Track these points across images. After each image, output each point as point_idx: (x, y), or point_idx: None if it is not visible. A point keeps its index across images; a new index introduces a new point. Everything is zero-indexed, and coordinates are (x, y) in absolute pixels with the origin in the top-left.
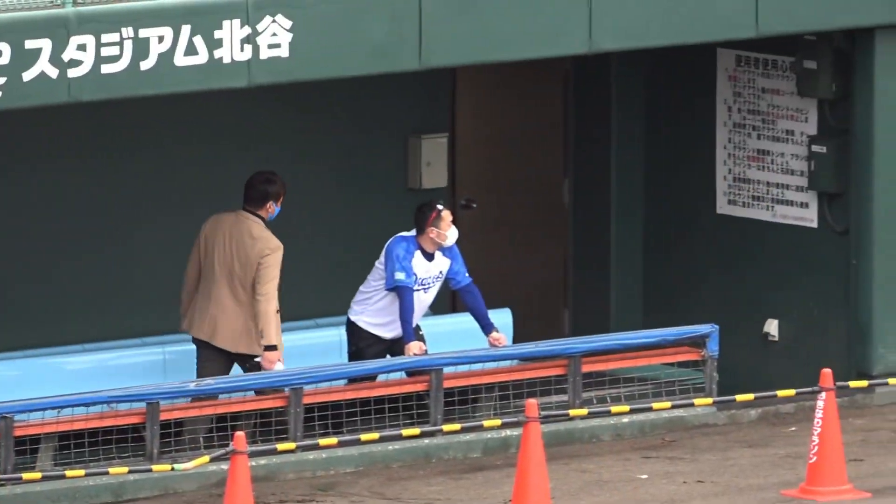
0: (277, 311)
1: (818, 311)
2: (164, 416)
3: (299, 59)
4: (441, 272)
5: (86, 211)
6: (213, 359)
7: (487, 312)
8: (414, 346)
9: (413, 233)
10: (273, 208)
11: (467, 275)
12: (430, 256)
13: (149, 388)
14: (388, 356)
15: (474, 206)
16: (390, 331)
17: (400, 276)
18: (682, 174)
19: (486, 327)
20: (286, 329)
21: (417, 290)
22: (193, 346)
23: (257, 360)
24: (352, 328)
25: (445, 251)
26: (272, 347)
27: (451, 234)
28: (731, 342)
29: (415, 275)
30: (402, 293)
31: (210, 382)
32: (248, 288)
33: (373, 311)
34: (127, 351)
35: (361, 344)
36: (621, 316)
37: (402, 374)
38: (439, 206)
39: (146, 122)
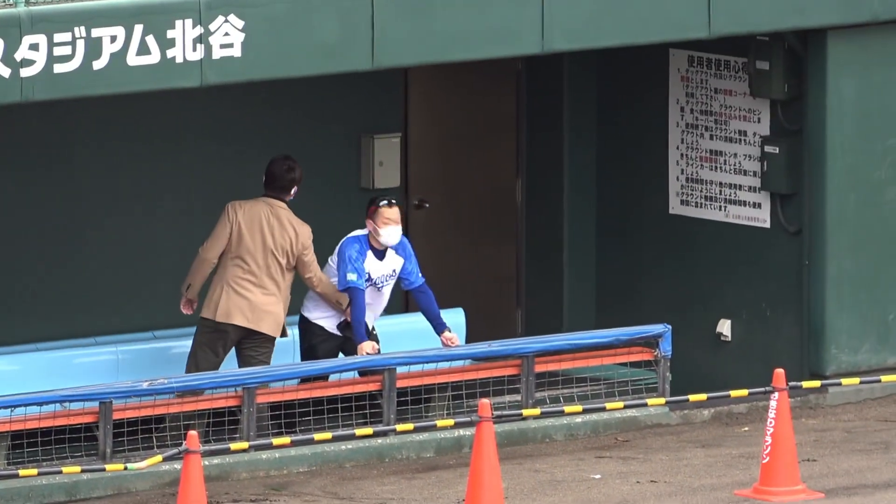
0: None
1: (771, 312)
2: (116, 416)
3: (252, 58)
4: (394, 270)
5: (41, 210)
6: (229, 347)
7: (440, 313)
8: (367, 346)
9: (365, 231)
10: (293, 194)
11: (420, 275)
12: (380, 255)
13: (101, 388)
14: (340, 354)
15: (427, 205)
16: (335, 318)
17: (351, 276)
18: (635, 174)
19: (439, 327)
20: None
21: (371, 287)
22: (145, 346)
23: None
24: (305, 325)
25: (398, 250)
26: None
27: (385, 232)
28: (684, 342)
29: (367, 274)
30: (354, 294)
31: (164, 382)
32: (286, 275)
33: (325, 307)
34: (80, 350)
35: (314, 340)
36: (574, 316)
37: (354, 374)
38: (381, 202)
39: (99, 121)
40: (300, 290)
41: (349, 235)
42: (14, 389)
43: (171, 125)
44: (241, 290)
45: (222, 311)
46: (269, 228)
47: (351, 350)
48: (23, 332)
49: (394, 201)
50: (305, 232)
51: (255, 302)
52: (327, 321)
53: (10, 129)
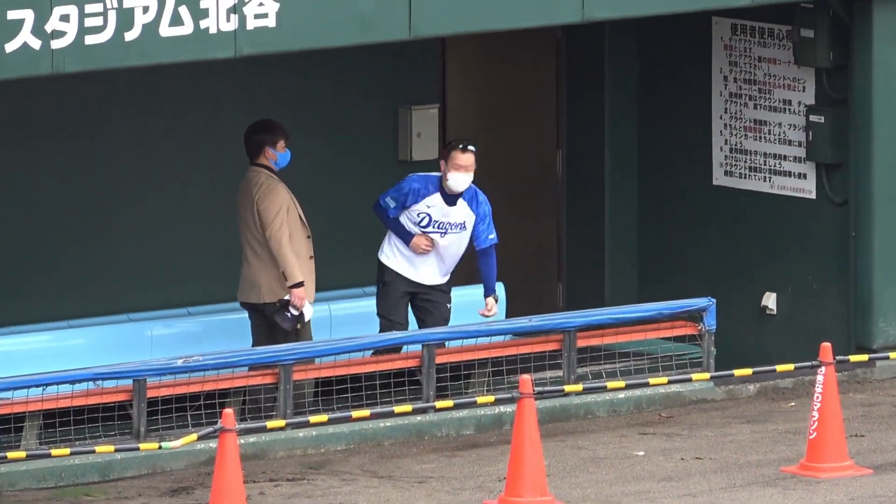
0: (311, 258)
1: (817, 284)
2: (151, 394)
3: (286, 29)
4: (464, 223)
5: (68, 186)
6: (259, 322)
7: (494, 280)
8: (420, 240)
9: (439, 173)
10: (273, 154)
11: (491, 238)
12: (451, 200)
13: (135, 365)
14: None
15: None
16: (414, 268)
17: (390, 202)
18: (678, 145)
19: (487, 290)
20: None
21: (433, 231)
22: (181, 323)
23: (286, 298)
24: (378, 267)
25: (472, 205)
26: (297, 285)
27: (453, 178)
28: (729, 316)
29: (427, 216)
30: (382, 215)
31: (199, 359)
32: (263, 239)
33: (402, 255)
34: (113, 327)
35: (387, 278)
36: (616, 289)
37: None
38: (458, 145)
39: (132, 94)
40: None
41: (420, 172)
42: (47, 367)
43: (204, 98)
44: (242, 267)
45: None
46: (242, 199)
47: (422, 303)
48: (56, 309)
49: (470, 147)
50: (261, 186)
51: (244, 274)
52: (401, 267)
53: (41, 102)
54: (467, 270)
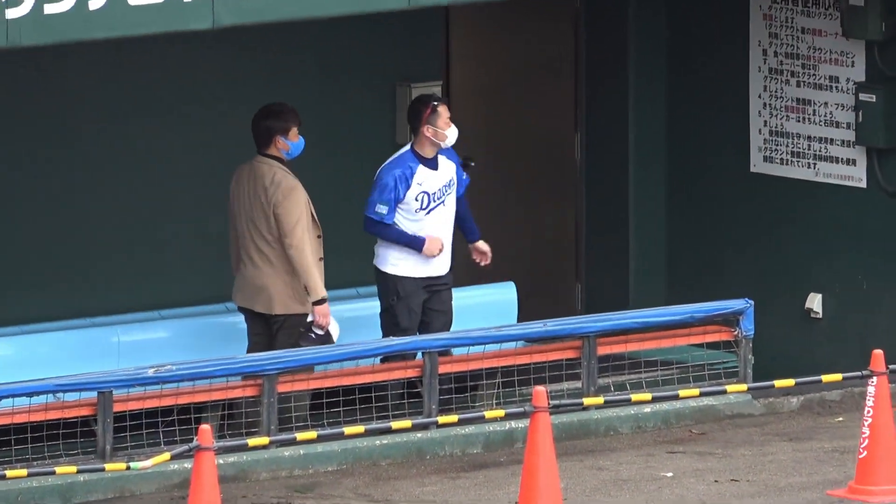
0: (320, 260)
1: (868, 284)
2: (117, 408)
3: None
4: (451, 180)
5: (21, 176)
6: (259, 331)
7: (469, 222)
8: (433, 242)
9: (405, 148)
10: (285, 144)
11: (465, 177)
12: (433, 164)
13: (100, 376)
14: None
15: (472, 164)
16: (424, 266)
17: (381, 209)
18: (711, 128)
19: (475, 234)
20: None
21: (436, 205)
22: (150, 328)
23: (309, 319)
24: (381, 278)
25: (447, 154)
26: (321, 301)
27: (450, 133)
28: (769, 320)
29: (424, 194)
30: (376, 226)
31: (171, 369)
32: (276, 243)
33: (404, 250)
34: (75, 333)
35: (401, 291)
36: (641, 290)
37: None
38: (434, 101)
39: (97, 71)
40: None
41: (387, 161)
42: (4, 377)
43: (176, 77)
44: (240, 265)
45: (234, 292)
46: (247, 192)
47: (435, 302)
48: (15, 313)
49: (445, 100)
50: (279, 186)
51: (247, 277)
52: (410, 267)
53: None
54: (469, 269)
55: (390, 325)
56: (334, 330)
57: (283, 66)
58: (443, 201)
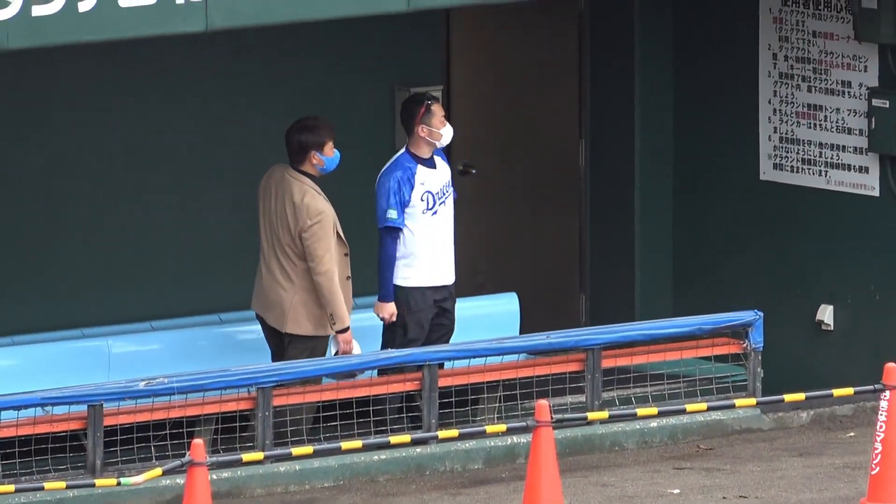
0: (348, 278)
1: (881, 295)
2: (108, 422)
3: None
4: (450, 181)
5: (8, 181)
6: (272, 340)
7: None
8: (387, 308)
9: (400, 151)
10: (320, 159)
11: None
12: (431, 164)
13: (90, 388)
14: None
15: (473, 171)
16: (433, 273)
17: (392, 214)
18: (719, 134)
19: None
20: None
21: (438, 206)
22: (142, 339)
23: (333, 351)
24: (395, 294)
25: (442, 156)
26: (346, 329)
27: (445, 132)
28: (779, 332)
29: (426, 193)
30: (385, 239)
31: (164, 381)
32: (298, 261)
33: (418, 262)
34: (65, 344)
35: (413, 304)
36: (647, 301)
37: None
38: (428, 100)
39: (84, 74)
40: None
41: (385, 166)
42: None
43: (170, 79)
44: (259, 271)
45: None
46: (274, 202)
47: (445, 314)
48: (4, 324)
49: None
50: (308, 210)
51: (263, 286)
52: (420, 275)
53: None
54: (471, 279)
55: (399, 336)
56: (357, 351)
57: (281, 69)
58: (444, 201)
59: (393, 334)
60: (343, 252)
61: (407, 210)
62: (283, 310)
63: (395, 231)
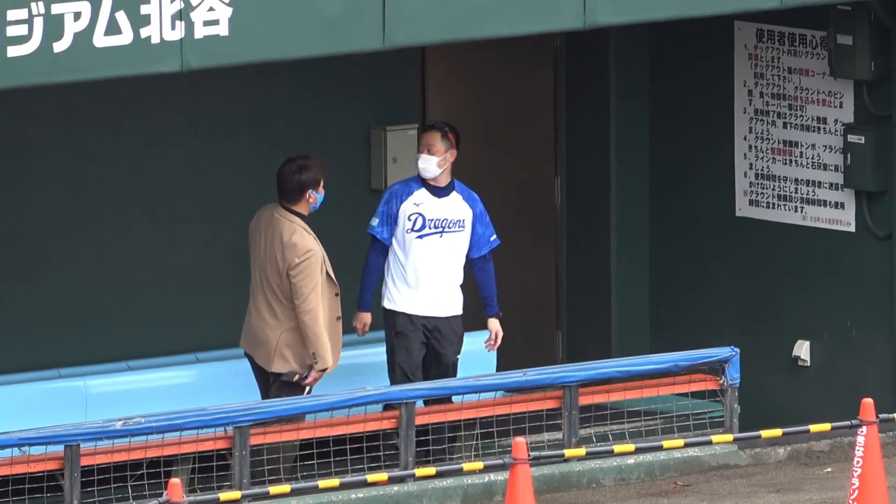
0: (338, 319)
1: (857, 331)
2: (85, 462)
3: (241, 38)
4: (462, 221)
5: None
6: (260, 376)
7: (495, 293)
8: (362, 317)
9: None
10: (314, 197)
11: (493, 238)
12: (439, 192)
13: (67, 428)
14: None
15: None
16: (416, 297)
17: (373, 221)
18: (695, 170)
19: (490, 307)
20: None
21: (430, 233)
22: (119, 379)
23: (294, 378)
24: (384, 315)
25: (470, 203)
26: (324, 370)
27: (420, 162)
28: (755, 368)
29: (419, 217)
30: (369, 247)
31: (140, 421)
32: (286, 300)
33: (401, 287)
34: (41, 384)
35: (399, 326)
36: (624, 338)
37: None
38: (428, 124)
39: (61, 113)
40: None
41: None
42: None
43: (146, 118)
44: (248, 310)
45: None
46: (264, 241)
47: (438, 344)
48: None
49: (438, 124)
50: (295, 248)
51: (251, 325)
52: (406, 302)
53: None
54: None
55: (390, 362)
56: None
57: (256, 109)
58: (440, 233)
59: (389, 360)
60: (333, 292)
61: (396, 228)
62: (269, 350)
63: (377, 242)
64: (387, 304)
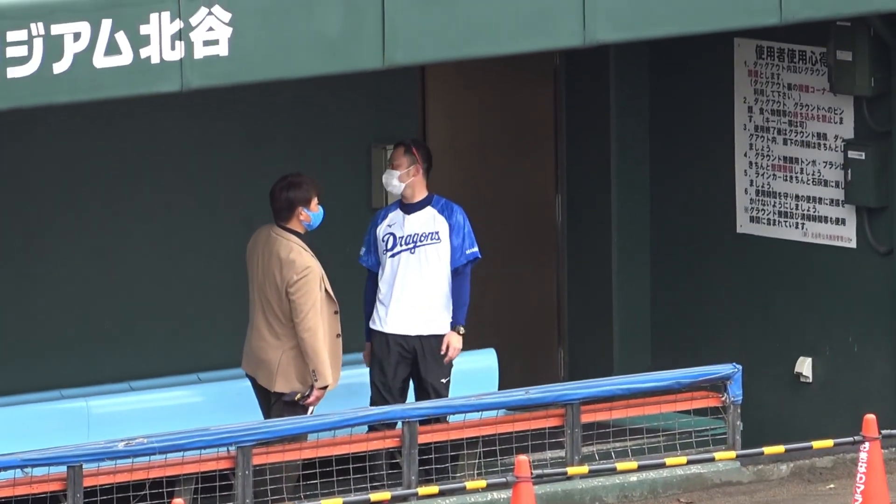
0: (338, 336)
1: (859, 347)
2: (88, 482)
3: (240, 58)
4: (437, 233)
5: None
6: (262, 397)
7: (463, 306)
8: (365, 350)
9: None
10: (307, 215)
11: (471, 251)
12: (409, 209)
13: (69, 449)
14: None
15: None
16: (390, 314)
17: (361, 251)
18: (696, 187)
19: (452, 319)
20: None
21: (402, 250)
22: (121, 400)
23: (296, 397)
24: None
25: (446, 214)
26: (324, 387)
27: (384, 177)
28: (758, 385)
29: (390, 237)
30: (367, 283)
31: (143, 441)
32: (286, 319)
33: (381, 302)
34: (44, 405)
35: (374, 347)
36: (626, 355)
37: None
38: (401, 143)
39: (60, 133)
40: None
41: None
42: None
43: (146, 138)
44: (248, 332)
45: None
46: (261, 261)
47: (424, 367)
48: None
49: (404, 141)
50: (293, 265)
51: (252, 346)
52: (379, 319)
53: None
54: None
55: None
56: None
57: (256, 128)
58: (411, 249)
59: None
60: (332, 310)
61: (378, 250)
62: (271, 370)
63: (369, 271)
64: (370, 324)
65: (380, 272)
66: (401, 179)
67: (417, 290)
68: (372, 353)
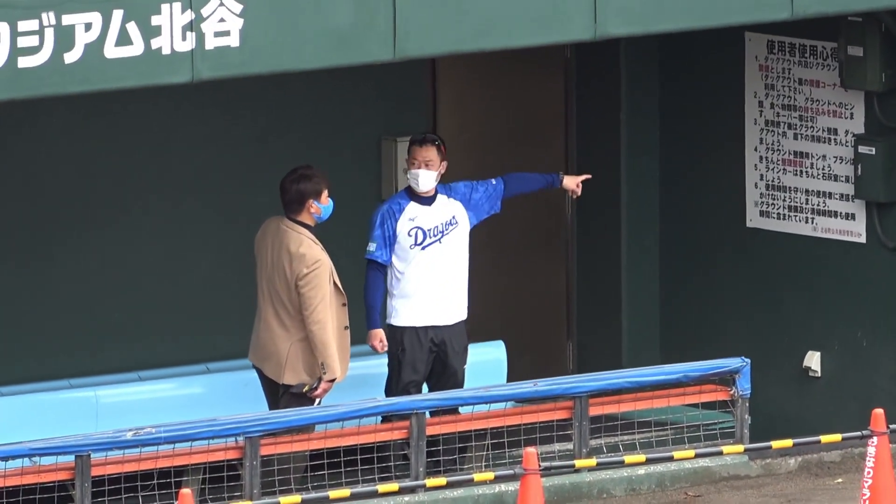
0: (346, 328)
1: (868, 342)
2: (96, 472)
3: (251, 49)
4: (454, 217)
5: (2, 236)
6: (269, 389)
7: (538, 176)
8: (376, 335)
9: (401, 191)
10: (317, 208)
11: (495, 180)
12: (426, 201)
13: (77, 439)
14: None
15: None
16: (424, 312)
17: (370, 246)
18: (706, 181)
19: (551, 182)
20: None
21: (431, 242)
22: (130, 389)
23: (304, 389)
24: (390, 332)
25: (451, 193)
26: (332, 380)
27: (413, 175)
28: (766, 379)
29: (417, 230)
30: (367, 271)
31: (151, 431)
32: (295, 311)
33: (409, 300)
34: (52, 394)
35: (406, 343)
36: (635, 349)
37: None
38: (417, 139)
39: (70, 124)
40: None
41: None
42: None
43: (156, 131)
44: (256, 323)
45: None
46: (271, 253)
47: (446, 357)
48: None
49: (431, 137)
50: (304, 259)
51: (260, 338)
52: (412, 314)
53: None
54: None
55: (394, 377)
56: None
57: (267, 121)
58: (439, 239)
59: (390, 378)
60: (341, 302)
61: (396, 245)
62: (279, 361)
63: (376, 264)
64: (393, 321)
65: (402, 266)
66: (437, 180)
67: (449, 278)
68: (401, 353)
